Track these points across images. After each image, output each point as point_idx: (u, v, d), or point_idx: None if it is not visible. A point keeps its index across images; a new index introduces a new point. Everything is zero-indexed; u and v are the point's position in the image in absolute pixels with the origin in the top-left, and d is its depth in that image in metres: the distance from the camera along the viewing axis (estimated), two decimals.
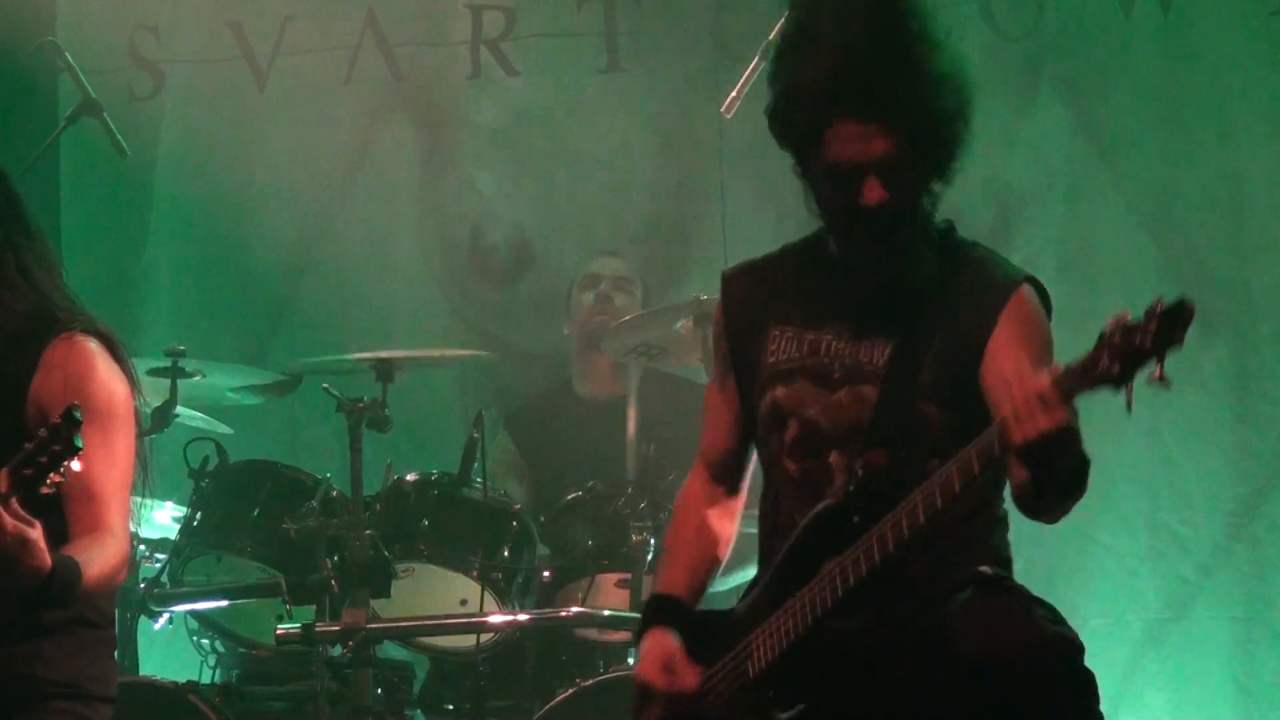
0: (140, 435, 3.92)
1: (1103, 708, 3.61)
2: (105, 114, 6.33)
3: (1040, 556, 6.34)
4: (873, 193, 3.58)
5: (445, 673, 6.00)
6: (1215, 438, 6.68)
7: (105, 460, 3.75)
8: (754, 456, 3.90)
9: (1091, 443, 3.37)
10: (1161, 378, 3.18)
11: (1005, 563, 3.74)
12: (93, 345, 3.86)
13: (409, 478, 5.89)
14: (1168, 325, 3.17)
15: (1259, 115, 6.74)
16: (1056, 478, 3.39)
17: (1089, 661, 3.61)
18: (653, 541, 5.63)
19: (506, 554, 5.81)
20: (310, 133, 7.49)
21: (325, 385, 5.75)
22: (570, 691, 5.34)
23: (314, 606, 5.55)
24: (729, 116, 6.26)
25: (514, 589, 5.77)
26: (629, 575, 5.68)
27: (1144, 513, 6.74)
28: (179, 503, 6.01)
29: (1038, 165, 6.94)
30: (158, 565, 5.79)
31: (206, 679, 5.88)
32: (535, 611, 5.70)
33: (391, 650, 6.01)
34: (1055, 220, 6.90)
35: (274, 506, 5.75)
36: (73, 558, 3.60)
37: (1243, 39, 6.78)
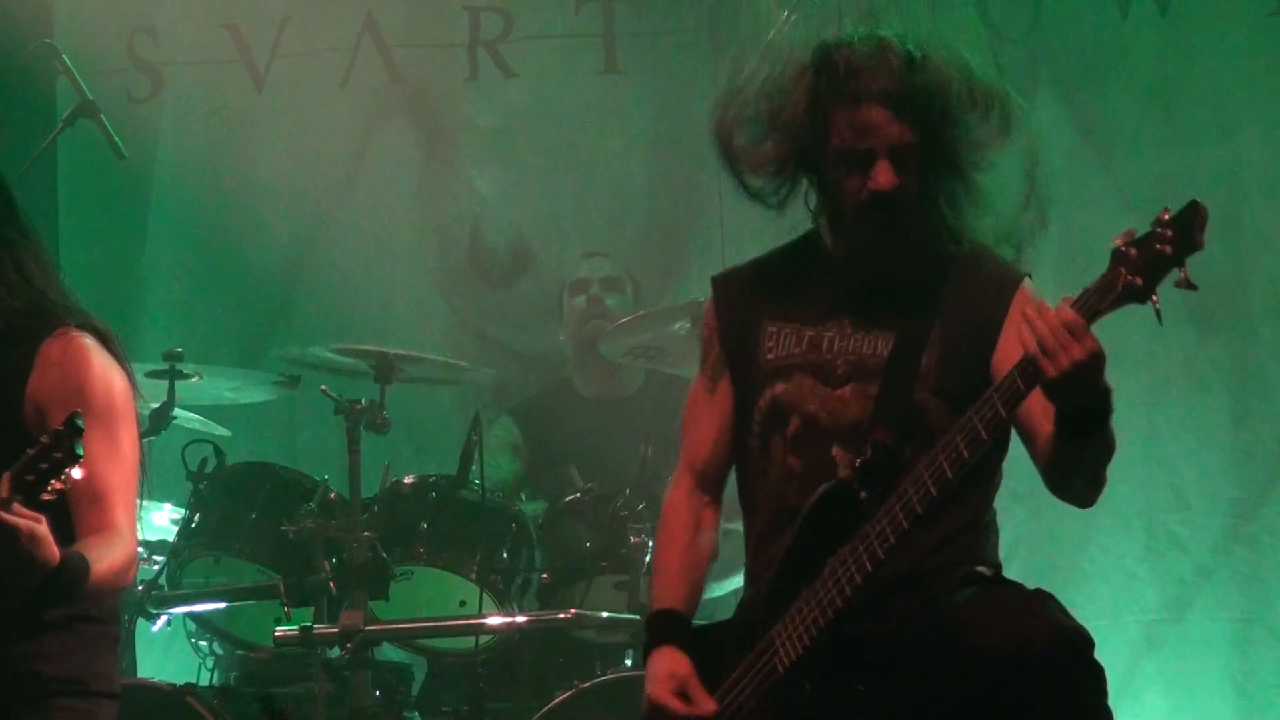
0: (139, 436, 3.92)
1: None
2: (103, 116, 6.32)
3: (1038, 558, 6.34)
4: (884, 176, 3.59)
5: (443, 674, 5.99)
6: (1213, 439, 6.68)
7: (110, 459, 3.75)
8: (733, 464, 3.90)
9: None
10: (1187, 281, 3.18)
11: (997, 568, 3.75)
12: (89, 341, 3.86)
13: (407, 480, 5.89)
14: (1184, 228, 3.17)
15: (1257, 115, 6.75)
16: (1087, 427, 3.33)
17: None
18: (650, 543, 5.62)
19: (505, 556, 5.81)
20: (308, 134, 7.48)
21: (323, 387, 5.74)
22: (568, 693, 5.34)
23: (312, 608, 5.55)
24: None
25: (512, 591, 5.77)
26: (627, 577, 5.68)
27: (1142, 514, 6.74)
28: (177, 505, 6.01)
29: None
30: (156, 567, 5.79)
31: (205, 681, 5.88)
32: (533, 613, 5.70)
33: (390, 652, 6.01)
34: (1053, 220, 6.89)
35: (272, 508, 5.75)
36: (81, 552, 3.60)
37: (1240, 39, 6.79)
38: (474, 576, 5.71)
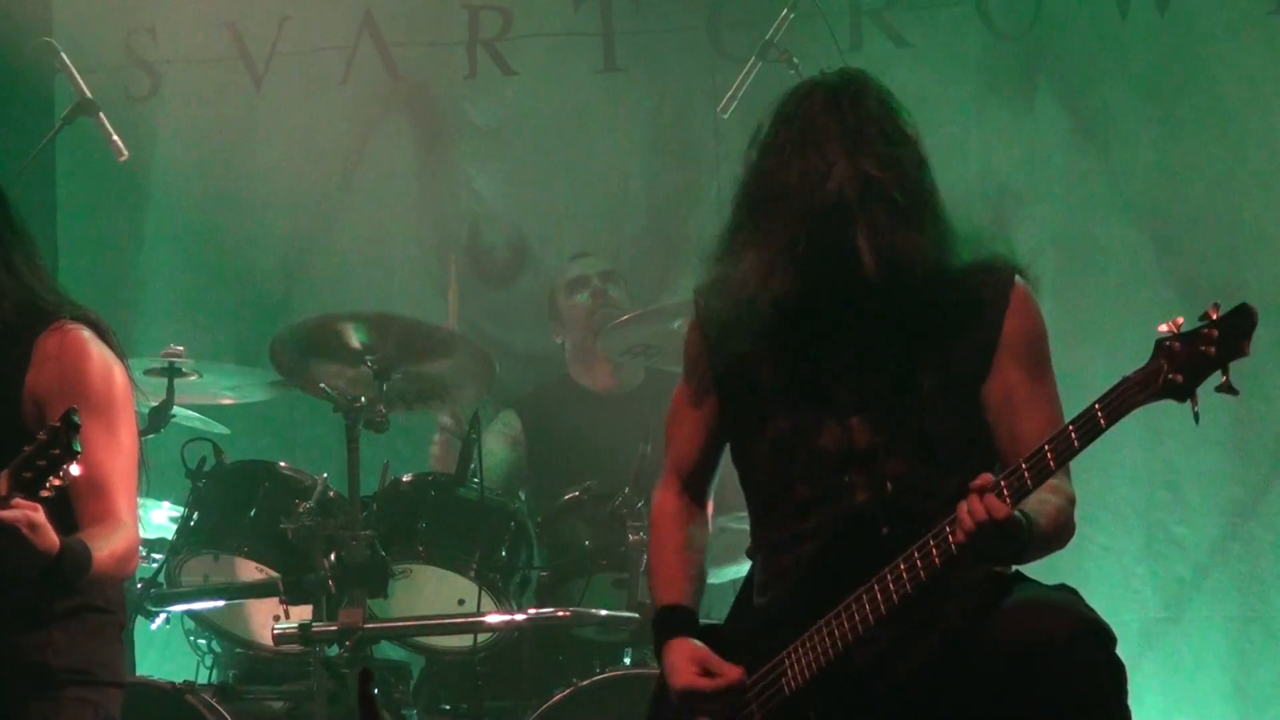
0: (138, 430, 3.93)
1: None
2: (102, 114, 6.31)
3: None
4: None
5: (441, 673, 5.99)
6: (1212, 438, 6.67)
7: (110, 449, 3.76)
8: (721, 463, 3.92)
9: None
10: (1229, 386, 3.12)
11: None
12: (85, 333, 3.86)
13: (406, 478, 5.89)
14: (1233, 332, 3.11)
15: (1256, 115, 6.74)
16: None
17: None
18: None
19: (503, 554, 5.81)
20: (307, 133, 7.48)
21: (322, 385, 5.74)
22: (567, 691, 5.34)
23: (311, 606, 5.55)
24: (725, 116, 6.27)
25: (511, 589, 5.77)
26: (626, 575, 5.68)
27: (1141, 513, 6.74)
28: (176, 503, 6.01)
29: (1035, 164, 6.94)
30: (155, 565, 5.78)
31: (204, 679, 5.88)
32: (532, 611, 5.70)
33: (388, 650, 6.01)
34: (1053, 219, 6.90)
35: (271, 506, 5.74)
36: (82, 540, 3.61)
37: (1240, 38, 6.78)
38: (473, 574, 5.71)
